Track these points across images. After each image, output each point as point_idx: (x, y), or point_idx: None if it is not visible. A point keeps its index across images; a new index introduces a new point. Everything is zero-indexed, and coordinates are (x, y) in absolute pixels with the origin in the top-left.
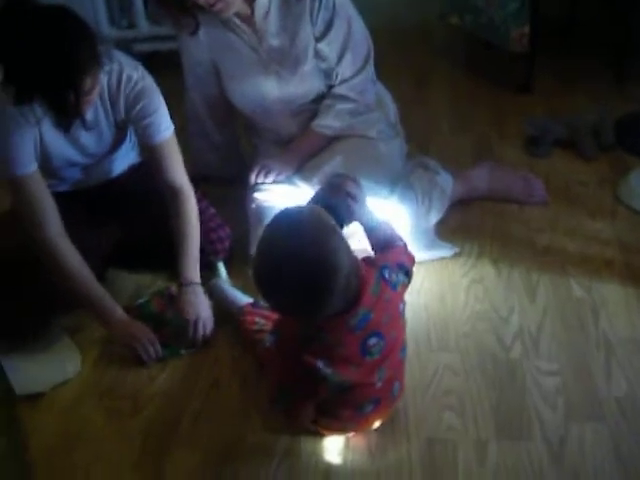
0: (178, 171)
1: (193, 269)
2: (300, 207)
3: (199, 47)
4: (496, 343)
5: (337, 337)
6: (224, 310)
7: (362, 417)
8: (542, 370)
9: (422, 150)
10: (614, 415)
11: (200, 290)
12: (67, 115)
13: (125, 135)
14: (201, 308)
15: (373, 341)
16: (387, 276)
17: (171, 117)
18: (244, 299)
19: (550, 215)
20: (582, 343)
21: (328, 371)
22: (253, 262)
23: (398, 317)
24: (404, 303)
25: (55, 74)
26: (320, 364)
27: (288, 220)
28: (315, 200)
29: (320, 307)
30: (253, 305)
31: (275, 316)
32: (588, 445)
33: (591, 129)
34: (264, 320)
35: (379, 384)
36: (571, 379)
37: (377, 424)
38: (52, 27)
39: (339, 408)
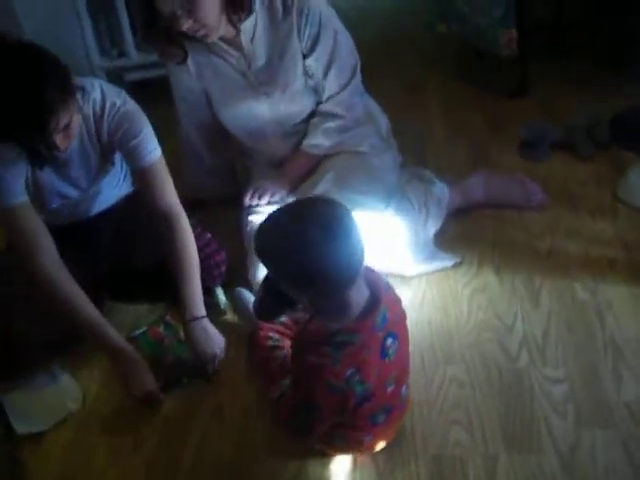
0: (170, 193)
1: (197, 302)
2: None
3: (188, 75)
4: (501, 353)
5: (366, 338)
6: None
7: (375, 428)
8: (550, 378)
9: (417, 160)
10: (625, 420)
11: (208, 324)
12: (37, 155)
13: (113, 164)
14: (213, 344)
15: (389, 342)
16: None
17: (164, 142)
18: None
19: (550, 218)
20: (589, 347)
21: (356, 378)
22: (293, 261)
23: (403, 316)
24: None
25: (19, 118)
26: (349, 372)
27: (301, 206)
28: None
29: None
30: None
31: (289, 331)
32: (600, 452)
33: (586, 128)
34: (278, 335)
35: (390, 388)
36: (580, 385)
37: (384, 443)
38: (16, 70)
39: (355, 419)
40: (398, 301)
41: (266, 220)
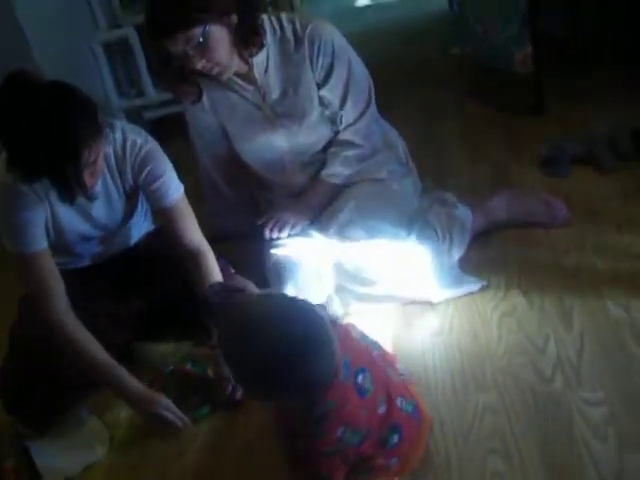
0: (194, 231)
1: None
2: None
3: (203, 112)
4: (535, 376)
5: (340, 396)
6: None
7: (393, 451)
8: (587, 400)
9: (438, 184)
10: None
11: None
12: (69, 189)
13: (136, 203)
14: None
15: (360, 379)
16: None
17: (183, 177)
18: None
19: (576, 235)
20: (626, 367)
21: (348, 432)
22: (242, 366)
23: (353, 336)
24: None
25: (52, 150)
26: (340, 431)
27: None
28: None
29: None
30: None
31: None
32: None
33: (607, 141)
34: None
35: (381, 409)
36: (619, 407)
37: (415, 461)
38: (48, 105)
39: (366, 454)
40: (343, 326)
41: (227, 325)
